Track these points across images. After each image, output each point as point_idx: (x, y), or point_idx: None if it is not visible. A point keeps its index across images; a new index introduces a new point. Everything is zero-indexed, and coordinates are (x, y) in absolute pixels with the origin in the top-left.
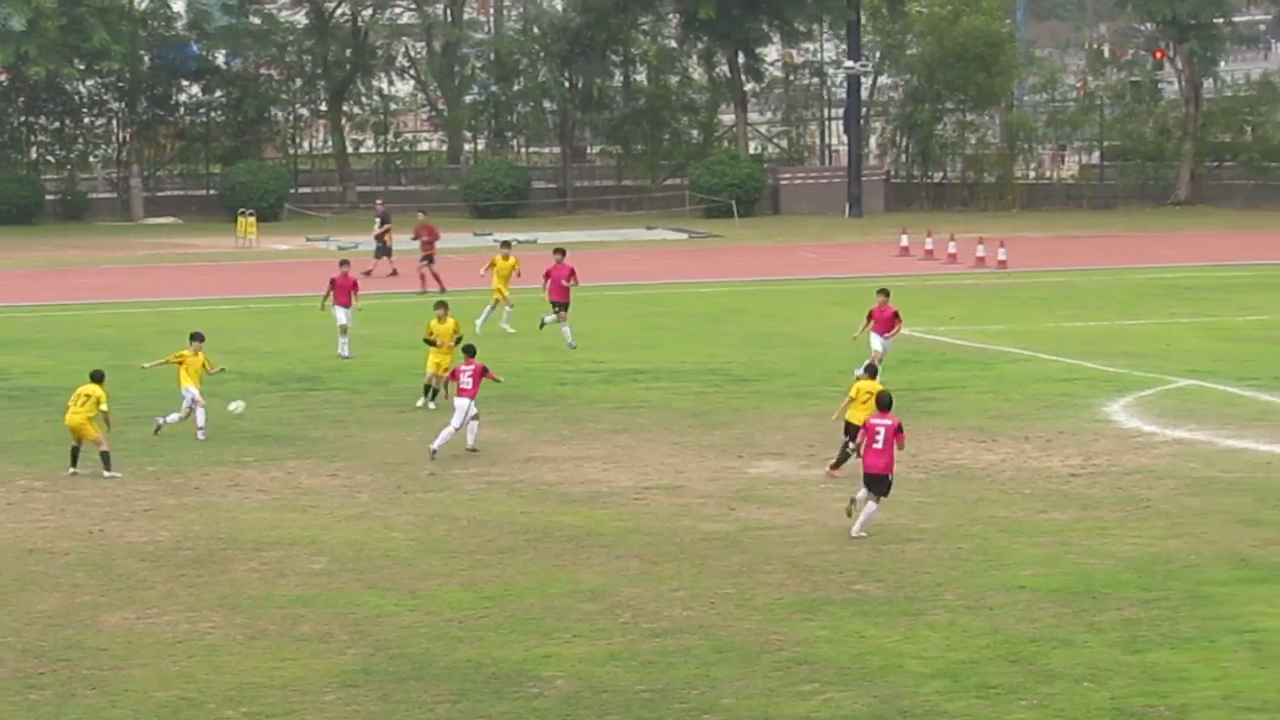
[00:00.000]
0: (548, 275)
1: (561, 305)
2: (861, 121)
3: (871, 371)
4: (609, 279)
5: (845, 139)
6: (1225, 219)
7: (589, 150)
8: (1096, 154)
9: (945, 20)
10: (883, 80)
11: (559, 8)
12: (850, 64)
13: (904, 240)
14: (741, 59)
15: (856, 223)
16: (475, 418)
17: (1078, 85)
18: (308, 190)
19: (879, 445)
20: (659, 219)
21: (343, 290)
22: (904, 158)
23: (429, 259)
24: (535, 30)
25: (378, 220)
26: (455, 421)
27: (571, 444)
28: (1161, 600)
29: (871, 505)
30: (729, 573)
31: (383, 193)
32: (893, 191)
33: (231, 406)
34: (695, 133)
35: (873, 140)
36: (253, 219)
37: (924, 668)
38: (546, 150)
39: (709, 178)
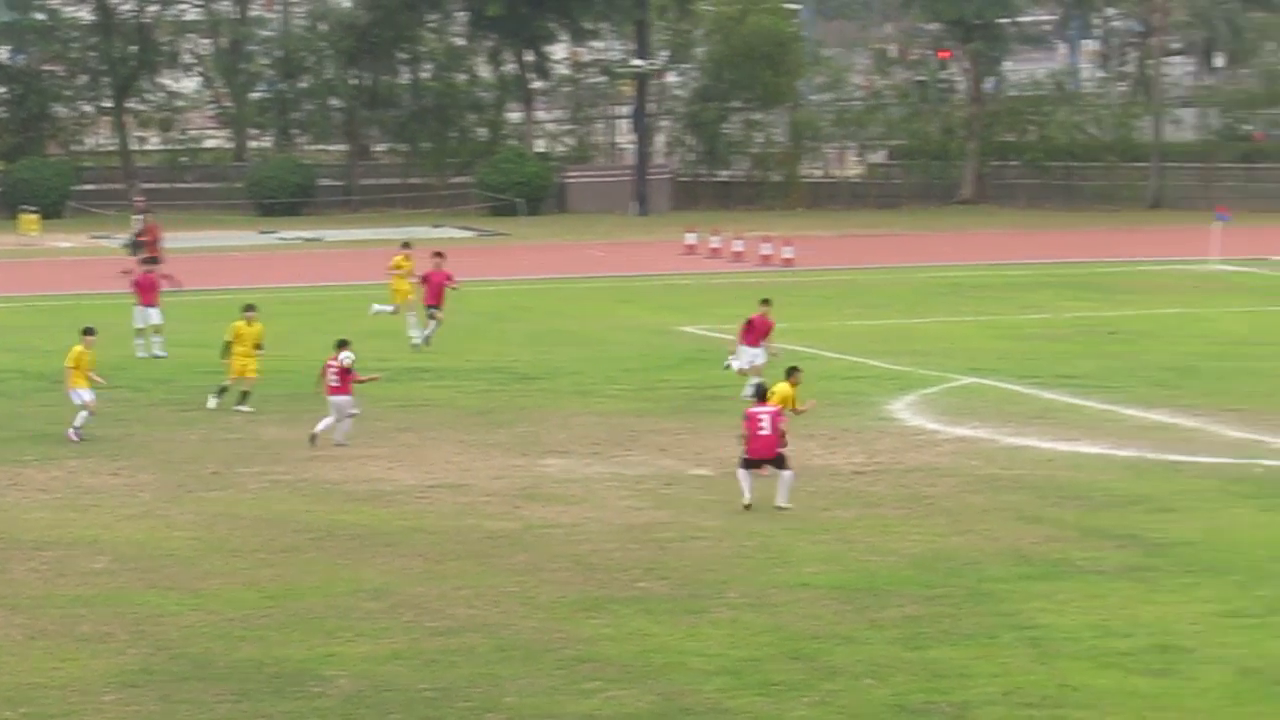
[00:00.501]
0: (425, 279)
1: (435, 308)
2: (649, 120)
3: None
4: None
5: (633, 137)
6: (1009, 218)
7: (376, 148)
8: (882, 153)
9: (732, 19)
10: (670, 79)
11: (346, 5)
12: (638, 62)
13: (690, 239)
14: (529, 57)
15: (643, 221)
16: (349, 416)
17: (864, 85)
18: (92, 187)
19: (765, 432)
20: (446, 217)
21: (146, 290)
22: (691, 156)
23: (153, 260)
24: (322, 27)
25: (138, 218)
26: (331, 417)
27: (356, 442)
28: (943, 597)
29: (786, 473)
30: (513, 571)
31: (168, 190)
32: (679, 190)
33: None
34: (482, 131)
35: (660, 139)
36: (35, 216)
37: (707, 665)
38: (333, 148)
39: (496, 176)
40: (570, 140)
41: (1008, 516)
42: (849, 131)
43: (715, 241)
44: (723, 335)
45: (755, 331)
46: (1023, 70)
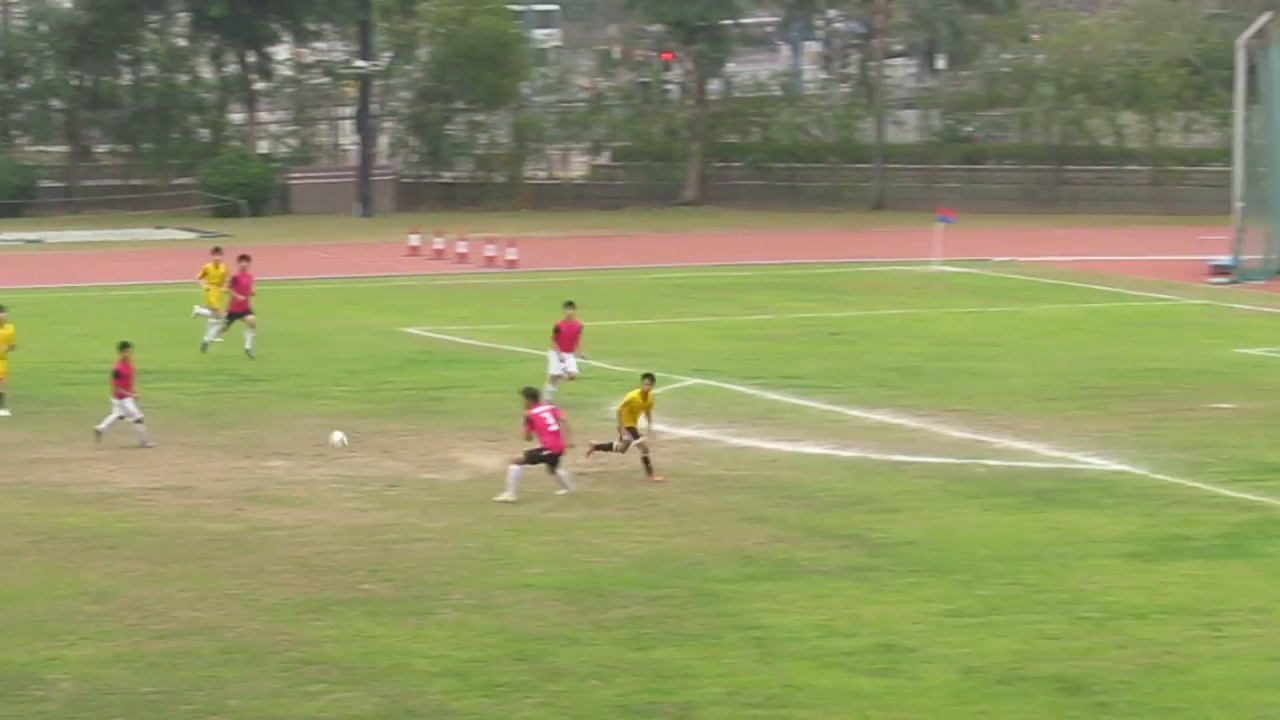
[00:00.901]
0: (235, 282)
1: (243, 314)
2: (372, 121)
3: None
4: (116, 279)
5: (356, 138)
6: (732, 219)
7: (97, 149)
8: (606, 154)
9: (455, 20)
10: (394, 80)
11: (67, 5)
12: (360, 64)
13: (414, 240)
14: (252, 58)
15: (367, 222)
16: (132, 418)
17: (587, 86)
18: None
19: (555, 427)
20: (168, 218)
21: None
22: (415, 157)
23: None
24: (42, 28)
25: None
26: (134, 414)
27: (77, 444)
28: (667, 598)
29: (562, 472)
30: (236, 573)
31: None
32: (403, 191)
33: (336, 438)
34: (205, 132)
35: (383, 140)
36: None
37: (431, 667)
38: (54, 149)
39: (218, 177)
40: (293, 141)
41: (732, 517)
42: (572, 133)
43: (439, 243)
44: (446, 337)
45: (564, 337)
46: (746, 72)
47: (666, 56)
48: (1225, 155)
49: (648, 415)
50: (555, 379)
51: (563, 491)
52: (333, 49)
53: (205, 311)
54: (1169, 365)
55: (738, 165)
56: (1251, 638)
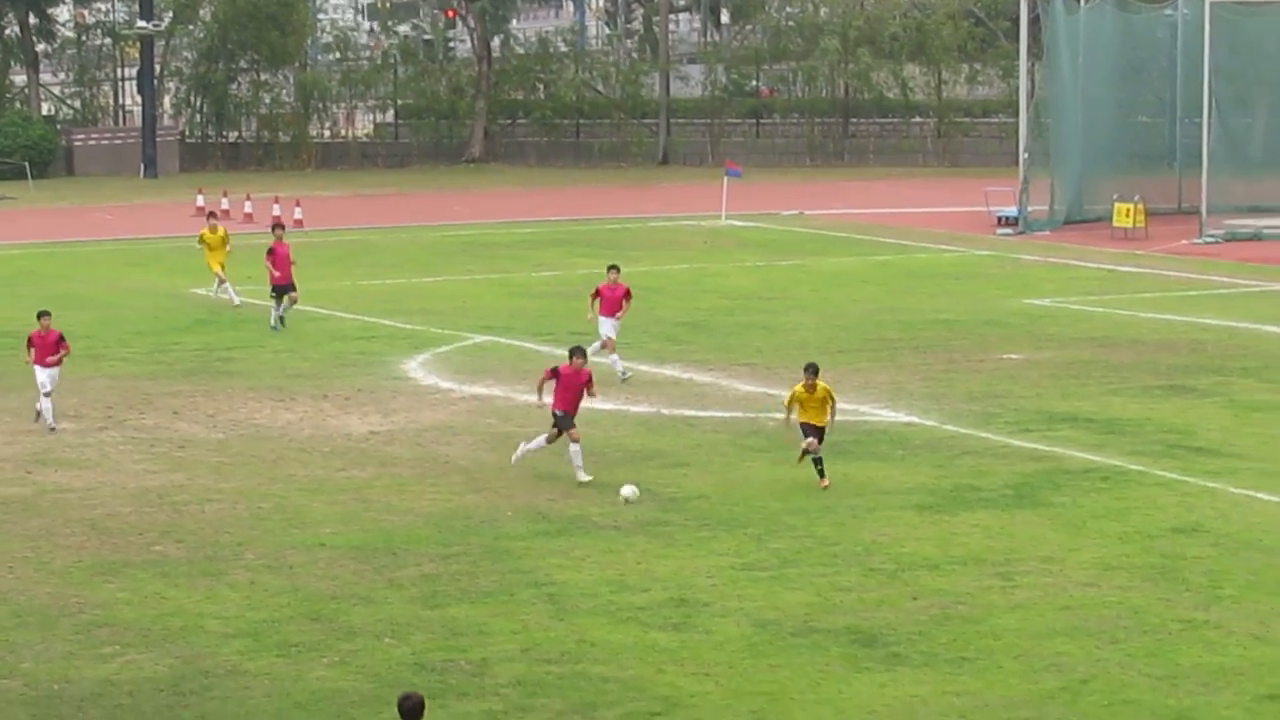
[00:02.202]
0: (271, 253)
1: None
2: (155, 82)
3: (813, 371)
4: None
5: (139, 99)
6: (518, 176)
7: None
8: (390, 113)
9: None
10: (176, 40)
11: None
12: (142, 24)
13: (200, 200)
14: (33, 20)
15: (152, 183)
16: (47, 394)
17: (371, 45)
18: None
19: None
20: None
21: None
22: (198, 118)
23: None
24: None
25: None
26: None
27: None
28: (461, 555)
29: (542, 441)
30: (27, 536)
31: None
32: (188, 152)
33: (626, 492)
34: None
35: (167, 100)
36: None
37: (225, 628)
38: None
39: (1, 140)
40: (77, 103)
41: (523, 473)
42: (357, 91)
43: (225, 203)
44: (233, 298)
45: (606, 302)
46: (530, 28)
47: (450, 14)
48: (1010, 107)
49: (831, 410)
50: (606, 343)
51: (582, 478)
52: (114, 9)
53: (228, 291)
54: (957, 317)
55: (524, 122)
56: (1043, 587)
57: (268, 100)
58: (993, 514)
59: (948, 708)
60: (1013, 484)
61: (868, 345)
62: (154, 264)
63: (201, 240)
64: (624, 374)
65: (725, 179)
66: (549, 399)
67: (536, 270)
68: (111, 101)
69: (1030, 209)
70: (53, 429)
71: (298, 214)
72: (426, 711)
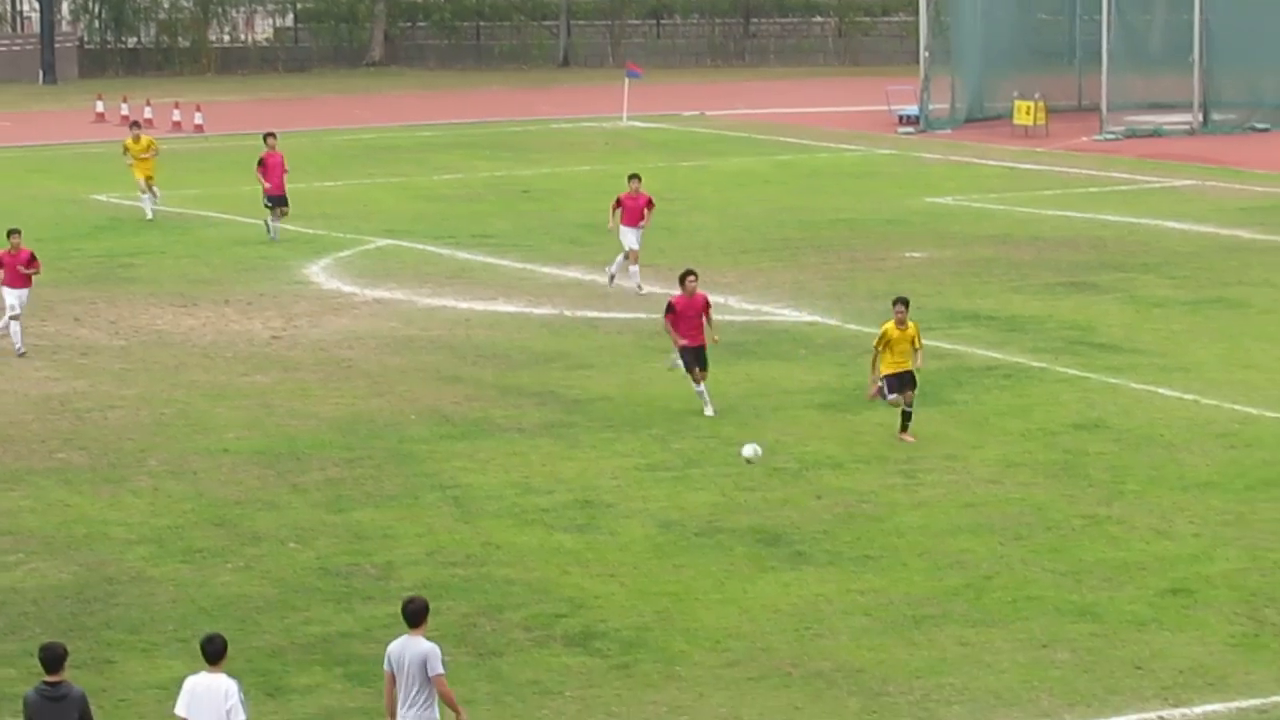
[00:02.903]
0: (262, 164)
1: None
2: None
3: (904, 303)
4: None
5: (37, 5)
6: (419, 79)
7: None
8: (290, 17)
9: None
10: None
11: None
12: None
13: (99, 106)
14: None
15: (51, 90)
16: (15, 317)
17: None
18: None
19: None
20: None
21: None
22: (97, 24)
23: None
24: None
25: None
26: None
27: None
28: (365, 459)
29: (702, 388)
30: None
31: None
32: (87, 58)
33: (748, 452)
34: None
35: (65, 6)
36: None
37: (129, 534)
38: None
39: None
40: None
41: (427, 377)
42: None
43: (125, 109)
44: (135, 204)
45: (628, 211)
46: None
47: None
48: (910, 5)
49: (916, 349)
50: (629, 254)
51: (708, 411)
52: None
53: (145, 202)
54: (859, 216)
55: (424, 25)
56: (946, 485)
57: (166, 5)
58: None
59: (852, 605)
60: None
61: (770, 245)
62: (54, 170)
63: (125, 150)
64: (640, 288)
65: (626, 80)
66: (684, 340)
67: (438, 174)
68: (9, 8)
69: (931, 107)
70: (21, 353)
71: (198, 119)
72: (429, 614)
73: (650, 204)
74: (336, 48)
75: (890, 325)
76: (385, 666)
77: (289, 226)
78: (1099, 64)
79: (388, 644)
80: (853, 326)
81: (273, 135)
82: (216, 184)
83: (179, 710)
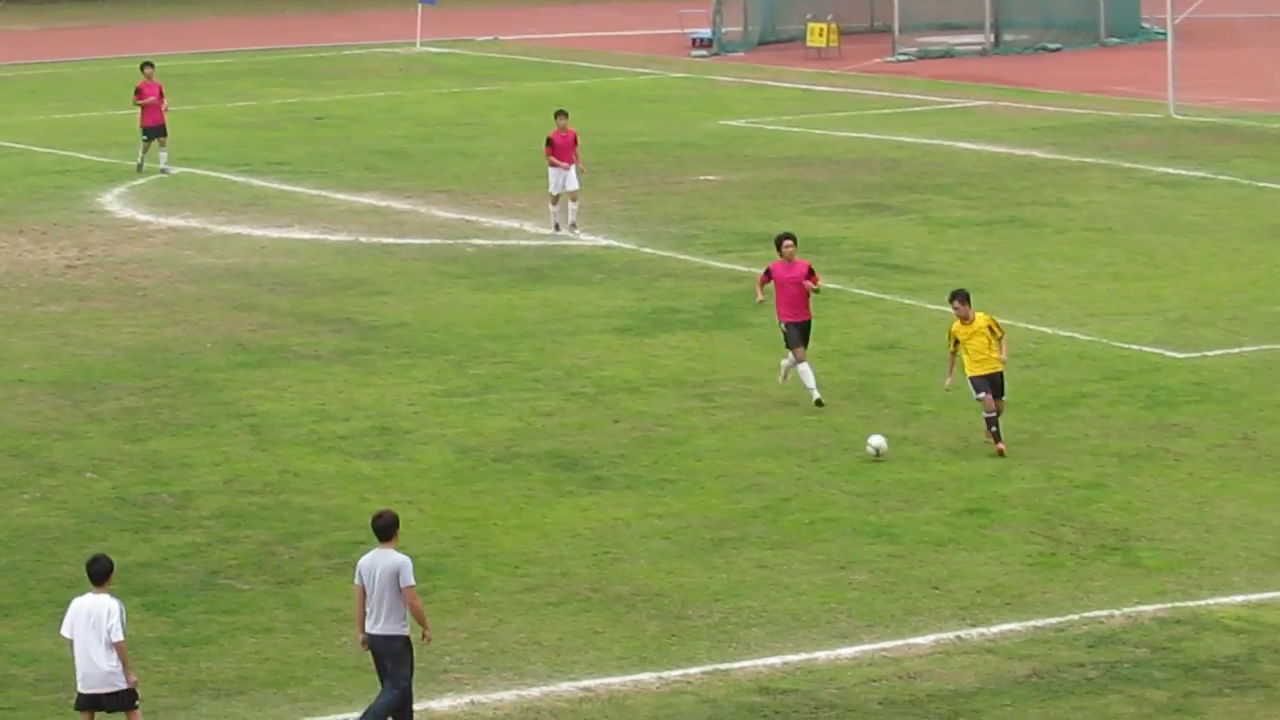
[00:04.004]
0: (139, 93)
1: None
2: None
3: (965, 298)
4: None
5: None
6: (212, 6)
7: None
8: None
9: None
10: None
11: None
12: None
13: None
14: None
15: None
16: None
17: None
18: None
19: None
20: None
21: None
22: None
23: None
24: None
25: None
26: None
27: None
28: (161, 388)
29: (805, 366)
30: None
31: None
32: None
33: (877, 442)
34: None
35: None
36: None
37: None
38: None
39: None
40: None
41: (223, 305)
42: None
43: None
44: None
45: (559, 149)
46: None
47: None
48: None
49: (998, 341)
50: (556, 198)
51: (815, 395)
52: None
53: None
54: (654, 140)
55: None
56: (743, 407)
57: None
58: (692, 335)
59: (650, 529)
60: (712, 305)
61: None
62: None
63: None
64: (575, 228)
65: (419, 6)
66: (783, 313)
67: (232, 101)
68: None
69: (724, 30)
70: None
71: None
72: (400, 526)
73: (576, 140)
74: None
75: (956, 324)
76: (355, 580)
77: (83, 156)
78: None
79: (358, 559)
80: (648, 250)
81: (150, 65)
82: (10, 113)
83: (63, 631)
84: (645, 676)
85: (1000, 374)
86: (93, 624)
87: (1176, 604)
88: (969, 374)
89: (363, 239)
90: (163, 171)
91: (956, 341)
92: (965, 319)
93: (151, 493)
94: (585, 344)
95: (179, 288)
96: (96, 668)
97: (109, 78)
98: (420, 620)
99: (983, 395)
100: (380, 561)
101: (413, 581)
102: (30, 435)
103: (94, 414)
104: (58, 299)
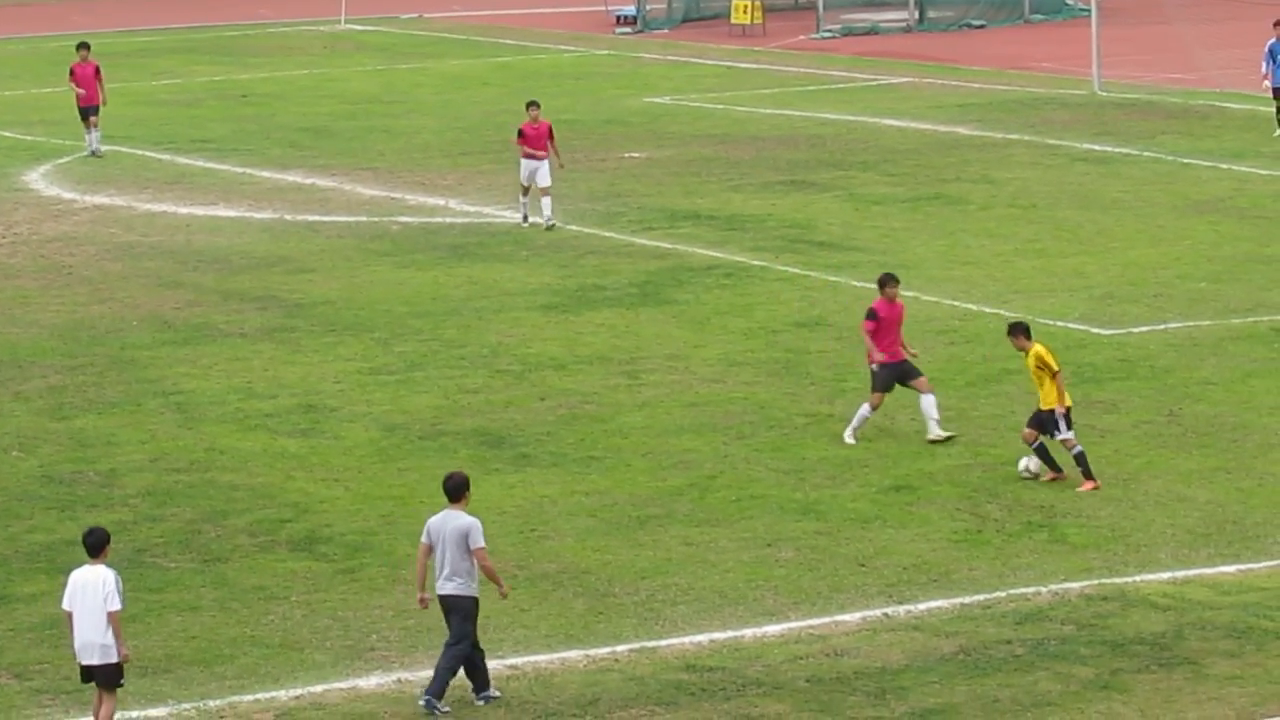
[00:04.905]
0: (72, 74)
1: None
2: None
3: (1021, 330)
4: None
5: None
6: None
7: None
8: None
9: None
10: None
11: None
12: None
13: None
14: None
15: None
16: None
17: None
18: None
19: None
20: None
21: None
22: None
23: None
24: None
25: None
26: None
27: None
28: (86, 366)
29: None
30: None
31: None
32: None
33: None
34: None
35: None
36: None
37: None
38: None
39: None
40: None
41: (148, 283)
42: None
43: None
44: None
45: (530, 140)
46: None
47: None
48: None
49: (1057, 384)
50: (526, 189)
51: (934, 435)
52: None
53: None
54: (578, 117)
55: None
56: (669, 384)
57: None
58: (618, 313)
59: (577, 507)
60: (637, 282)
61: (490, 147)
62: None
63: None
64: (549, 220)
65: None
66: (880, 356)
67: (156, 79)
68: None
69: (648, 7)
70: None
71: None
72: (469, 487)
73: (551, 132)
74: None
75: (1042, 349)
76: (423, 539)
77: (7, 134)
78: None
79: (427, 518)
80: (573, 227)
81: (85, 46)
82: None
83: (64, 604)
84: (572, 654)
85: (1050, 412)
86: (90, 594)
87: (1103, 580)
88: (1046, 405)
89: (288, 217)
90: (92, 153)
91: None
92: (1022, 350)
93: (78, 471)
94: (511, 321)
95: (104, 266)
96: (93, 639)
97: (33, 55)
98: (493, 579)
99: (1027, 430)
100: (450, 522)
101: (483, 543)
102: None
103: (19, 392)
104: None
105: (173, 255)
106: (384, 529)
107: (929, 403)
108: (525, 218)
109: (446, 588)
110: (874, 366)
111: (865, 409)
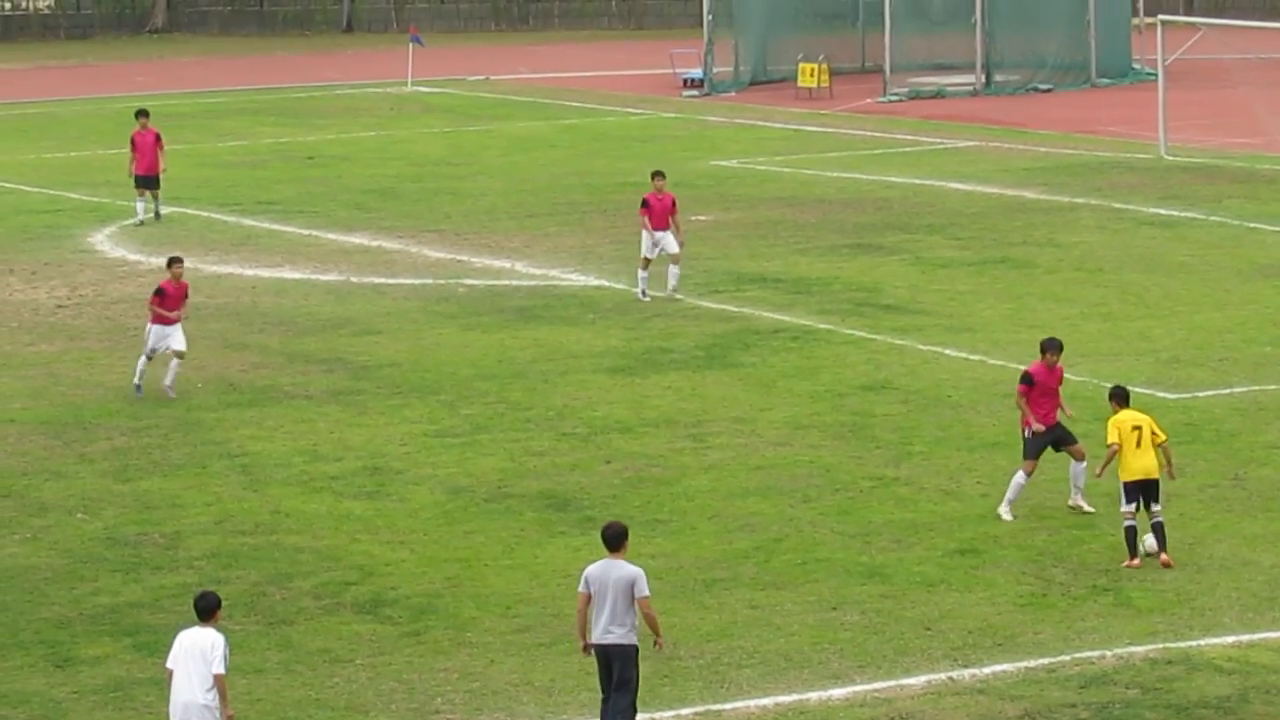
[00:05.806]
0: (134, 144)
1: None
2: None
3: (1120, 397)
4: None
5: None
6: (202, 45)
7: None
8: None
9: None
10: None
11: None
12: None
13: None
14: None
15: None
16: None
17: None
18: None
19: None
20: None
21: None
22: None
23: None
24: None
25: None
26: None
27: None
28: (152, 428)
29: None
30: None
31: None
32: None
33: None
34: None
35: None
36: None
37: None
38: None
39: None
40: None
41: (214, 344)
42: None
43: None
44: None
45: (655, 213)
46: None
47: None
48: None
49: (1166, 457)
50: (647, 262)
51: (1075, 503)
52: None
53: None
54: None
55: None
56: (734, 447)
57: None
58: (684, 375)
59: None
60: (703, 345)
61: (556, 209)
62: None
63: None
64: (674, 290)
65: (410, 45)
66: (1038, 426)
67: (222, 140)
68: None
69: (715, 70)
70: None
71: None
72: (628, 537)
73: (674, 205)
74: (119, 14)
75: (1119, 418)
76: (581, 588)
77: (73, 195)
78: (882, 25)
79: (585, 566)
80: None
81: (144, 113)
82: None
83: (169, 663)
84: (638, 718)
85: (1154, 482)
86: (197, 655)
87: (1168, 644)
88: (1124, 480)
89: (353, 279)
90: (155, 217)
91: (1119, 442)
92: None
93: (142, 533)
94: (577, 384)
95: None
96: (194, 699)
97: (99, 116)
98: (654, 629)
99: (1127, 508)
100: (613, 572)
101: (648, 592)
102: (20, 475)
103: (84, 454)
104: (48, 339)
105: (238, 317)
106: (449, 591)
107: (1078, 470)
108: (643, 293)
109: (609, 637)
110: (1027, 433)
111: (1020, 477)
